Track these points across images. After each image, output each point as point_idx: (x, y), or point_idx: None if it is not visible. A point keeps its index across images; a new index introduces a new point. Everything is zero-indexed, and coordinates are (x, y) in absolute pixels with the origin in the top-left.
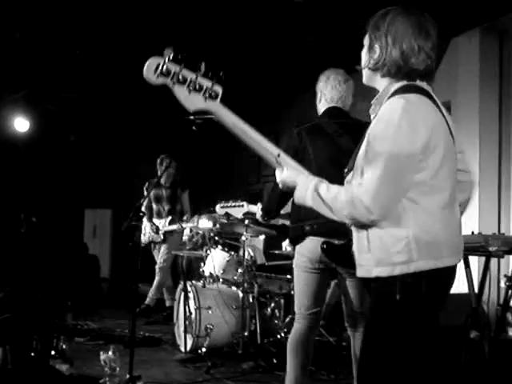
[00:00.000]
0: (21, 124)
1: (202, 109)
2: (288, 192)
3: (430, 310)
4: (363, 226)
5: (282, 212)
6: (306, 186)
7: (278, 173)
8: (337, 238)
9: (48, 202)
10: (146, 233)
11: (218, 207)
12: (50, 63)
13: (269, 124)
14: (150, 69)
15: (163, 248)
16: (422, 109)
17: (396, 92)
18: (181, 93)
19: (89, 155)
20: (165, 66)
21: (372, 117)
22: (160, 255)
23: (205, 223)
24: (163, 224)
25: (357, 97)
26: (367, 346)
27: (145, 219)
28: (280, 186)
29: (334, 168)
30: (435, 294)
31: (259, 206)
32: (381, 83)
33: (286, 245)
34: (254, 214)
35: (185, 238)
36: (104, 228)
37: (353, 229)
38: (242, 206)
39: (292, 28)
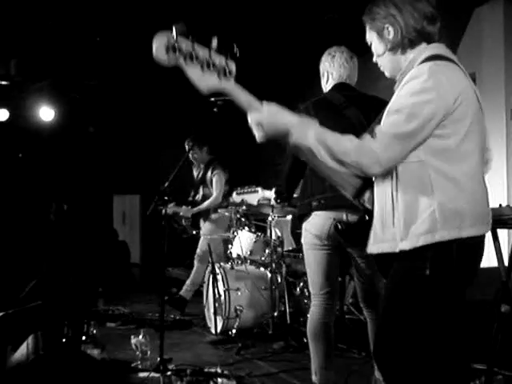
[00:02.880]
0: (46, 113)
1: (216, 89)
2: (298, 172)
3: (460, 283)
4: (387, 200)
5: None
6: (306, 123)
7: (255, 115)
8: (345, 212)
9: (77, 190)
10: None
11: (234, 194)
12: (70, 51)
13: (292, 103)
14: (160, 45)
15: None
16: (449, 74)
17: (424, 61)
18: (194, 73)
19: (115, 142)
20: (176, 43)
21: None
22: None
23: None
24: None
25: (381, 74)
26: (396, 324)
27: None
28: (265, 128)
29: None
30: (465, 267)
31: (274, 190)
32: (405, 59)
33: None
34: (269, 199)
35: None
36: (133, 213)
37: (376, 203)
38: (257, 191)
39: (312, 4)
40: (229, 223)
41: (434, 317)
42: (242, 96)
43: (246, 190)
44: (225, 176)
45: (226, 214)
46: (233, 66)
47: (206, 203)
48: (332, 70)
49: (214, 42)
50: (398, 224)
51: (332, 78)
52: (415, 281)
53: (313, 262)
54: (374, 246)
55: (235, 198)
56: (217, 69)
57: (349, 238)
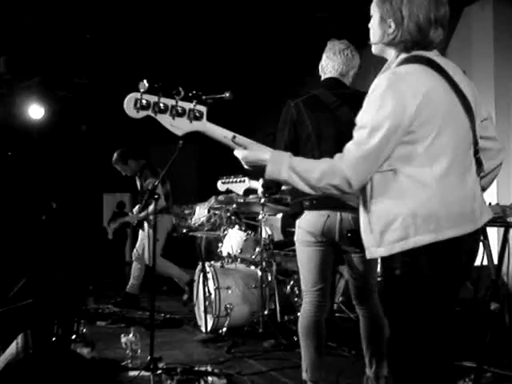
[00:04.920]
0: (36, 111)
1: (189, 131)
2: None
3: (435, 283)
4: (364, 207)
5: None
6: (279, 159)
7: (237, 152)
8: (337, 210)
9: (67, 188)
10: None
11: (219, 183)
12: (60, 48)
13: (282, 103)
14: (130, 105)
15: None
16: (411, 80)
17: (397, 65)
18: (165, 120)
19: (103, 139)
20: (143, 101)
21: None
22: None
23: (201, 211)
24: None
25: (369, 69)
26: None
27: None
28: (244, 165)
29: (334, 139)
30: (440, 267)
31: (261, 181)
32: (393, 57)
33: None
34: (255, 190)
35: (203, 218)
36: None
37: (359, 210)
38: (244, 181)
39: (303, 3)
40: (219, 221)
41: (410, 316)
42: (217, 133)
43: (231, 180)
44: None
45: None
46: (202, 108)
47: (151, 208)
48: (324, 62)
49: (181, 91)
50: (374, 231)
51: (323, 71)
52: (389, 281)
53: (306, 258)
54: (366, 251)
55: (220, 186)
56: (186, 114)
57: (361, 245)
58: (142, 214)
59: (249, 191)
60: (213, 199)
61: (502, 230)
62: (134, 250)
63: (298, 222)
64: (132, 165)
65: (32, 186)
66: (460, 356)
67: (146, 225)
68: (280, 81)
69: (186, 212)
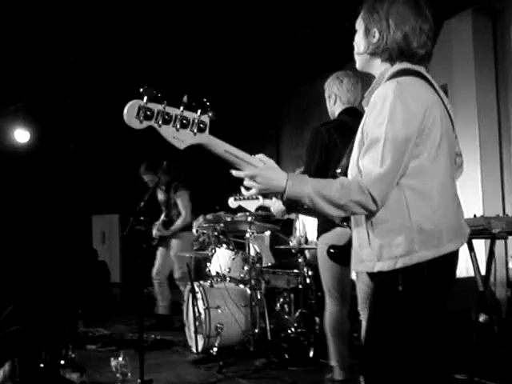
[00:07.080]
0: (21, 135)
1: (193, 144)
2: None
3: (434, 298)
4: (362, 219)
5: None
6: (300, 177)
7: (249, 169)
8: None
9: (55, 211)
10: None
11: (231, 200)
12: (44, 72)
13: (269, 119)
14: (131, 115)
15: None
16: (414, 90)
17: (390, 78)
18: (168, 133)
19: (92, 161)
20: (147, 110)
21: (366, 108)
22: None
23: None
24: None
25: None
26: (372, 339)
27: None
28: (256, 183)
29: None
30: (439, 281)
31: (274, 200)
32: (379, 69)
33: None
34: (268, 209)
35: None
36: (113, 233)
37: (352, 222)
38: (258, 198)
39: (284, 21)
40: (208, 240)
41: (410, 332)
42: (220, 146)
43: (245, 197)
44: (188, 194)
45: (194, 232)
46: (206, 119)
47: (179, 223)
48: (340, 93)
49: (185, 99)
50: (374, 244)
51: (340, 101)
52: (389, 297)
53: (327, 268)
54: (356, 265)
55: (231, 203)
56: (190, 125)
57: (340, 260)
58: (173, 228)
59: (261, 209)
60: (201, 218)
61: (487, 241)
62: (155, 269)
63: (322, 239)
64: (162, 176)
65: (20, 209)
66: (451, 369)
67: (173, 242)
68: (267, 99)
69: None
